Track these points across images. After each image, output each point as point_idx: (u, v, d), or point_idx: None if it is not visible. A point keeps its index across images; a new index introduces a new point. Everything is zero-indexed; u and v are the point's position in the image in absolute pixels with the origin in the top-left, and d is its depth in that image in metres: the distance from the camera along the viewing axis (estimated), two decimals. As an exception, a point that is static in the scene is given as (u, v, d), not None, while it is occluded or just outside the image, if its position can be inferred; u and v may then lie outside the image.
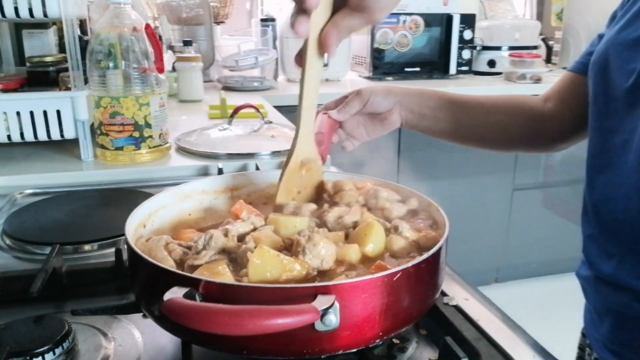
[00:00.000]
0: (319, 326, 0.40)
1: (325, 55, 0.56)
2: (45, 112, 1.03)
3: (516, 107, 0.84)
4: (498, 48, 2.58)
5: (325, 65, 2.33)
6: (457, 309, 0.54)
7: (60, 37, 1.38)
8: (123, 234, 0.51)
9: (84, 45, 1.03)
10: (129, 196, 0.90)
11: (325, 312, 0.39)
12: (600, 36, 0.72)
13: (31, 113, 1.03)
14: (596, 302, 0.70)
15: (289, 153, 0.61)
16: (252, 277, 0.46)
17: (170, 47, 2.07)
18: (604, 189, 0.66)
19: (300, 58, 0.55)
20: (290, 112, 1.74)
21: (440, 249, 0.48)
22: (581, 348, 0.81)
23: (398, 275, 0.43)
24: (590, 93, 0.69)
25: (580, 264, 0.75)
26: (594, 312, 0.71)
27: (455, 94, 0.85)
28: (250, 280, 0.46)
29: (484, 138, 0.86)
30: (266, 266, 0.46)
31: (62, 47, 1.35)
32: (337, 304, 0.40)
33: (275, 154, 1.11)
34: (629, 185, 0.61)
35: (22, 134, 1.04)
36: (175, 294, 0.40)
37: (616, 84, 0.63)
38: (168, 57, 1.92)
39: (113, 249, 0.61)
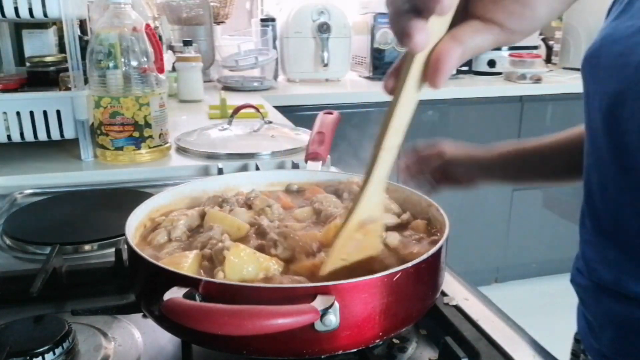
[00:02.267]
0: (318, 326, 0.40)
1: (423, 85, 0.38)
2: (45, 112, 1.03)
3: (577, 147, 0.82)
4: (498, 48, 2.57)
5: (325, 65, 2.33)
6: (457, 309, 0.54)
7: (60, 37, 1.38)
8: (123, 234, 0.51)
9: (84, 45, 1.03)
10: (129, 196, 0.90)
11: (325, 312, 0.39)
12: None
13: (31, 113, 1.03)
14: (596, 312, 0.68)
15: (350, 208, 0.45)
16: (229, 275, 0.46)
17: (170, 47, 2.07)
18: (599, 192, 0.64)
19: (394, 80, 0.39)
20: (290, 112, 1.75)
21: (440, 249, 0.48)
22: (574, 354, 0.79)
23: (398, 275, 0.43)
24: (583, 91, 0.68)
25: (575, 271, 0.73)
26: (592, 321, 0.69)
27: (522, 144, 0.86)
28: (228, 279, 0.46)
29: (552, 180, 0.90)
30: (243, 264, 0.46)
31: (62, 47, 1.34)
32: (337, 304, 0.40)
33: (275, 154, 1.11)
34: (626, 187, 0.60)
35: (22, 134, 1.04)
36: (175, 294, 0.40)
37: (608, 81, 0.62)
38: (168, 57, 1.92)
39: (113, 249, 0.61)
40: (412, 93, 0.39)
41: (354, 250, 0.46)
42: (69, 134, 1.06)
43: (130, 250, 0.48)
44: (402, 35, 0.35)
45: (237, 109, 1.25)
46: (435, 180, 0.81)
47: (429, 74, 0.37)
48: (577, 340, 0.79)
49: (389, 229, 0.57)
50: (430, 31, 0.35)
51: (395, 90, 0.39)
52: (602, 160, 0.64)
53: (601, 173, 0.64)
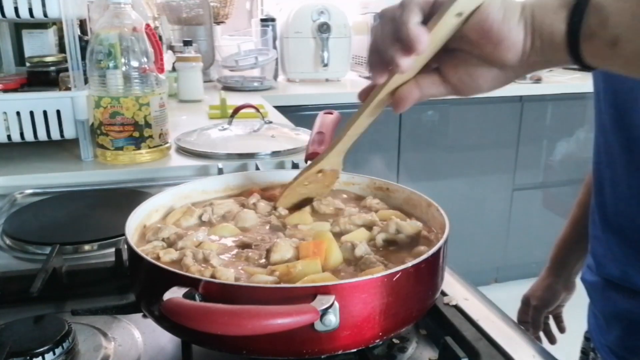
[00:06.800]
0: (318, 326, 0.40)
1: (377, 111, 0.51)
2: (45, 112, 1.03)
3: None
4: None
5: (325, 65, 2.33)
6: (457, 309, 0.54)
7: (60, 37, 1.38)
8: (123, 234, 0.51)
9: (84, 45, 1.03)
10: (129, 196, 0.90)
11: (324, 312, 0.39)
12: None
13: (31, 113, 1.03)
14: (604, 308, 0.69)
15: (317, 159, 0.60)
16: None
17: (170, 47, 2.07)
18: (610, 188, 0.65)
19: (365, 95, 0.53)
20: (290, 112, 1.75)
21: (440, 249, 0.48)
22: (584, 352, 0.80)
23: (398, 275, 0.43)
24: (594, 90, 0.69)
25: (585, 269, 0.74)
26: (601, 317, 0.70)
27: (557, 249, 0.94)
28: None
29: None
30: None
31: (62, 47, 1.34)
32: (336, 304, 0.40)
33: (275, 154, 1.11)
34: (635, 184, 0.60)
35: (22, 134, 1.04)
36: (175, 294, 0.40)
37: (618, 79, 0.62)
38: (168, 57, 1.92)
39: (113, 249, 0.61)
40: (377, 109, 0.52)
41: (309, 188, 0.63)
42: (69, 134, 1.05)
43: (130, 250, 0.48)
44: (390, 61, 0.46)
45: (237, 109, 1.25)
46: None
47: (394, 104, 0.49)
48: (587, 338, 0.79)
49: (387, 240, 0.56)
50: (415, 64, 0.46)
51: (366, 101, 0.52)
52: (612, 156, 0.64)
53: (612, 169, 0.65)
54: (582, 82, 2.36)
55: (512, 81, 0.46)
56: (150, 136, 1.06)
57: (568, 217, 0.92)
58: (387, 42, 0.45)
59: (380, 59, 0.48)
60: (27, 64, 1.21)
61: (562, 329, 0.98)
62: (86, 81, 1.05)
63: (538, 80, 2.37)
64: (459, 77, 0.46)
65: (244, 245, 0.55)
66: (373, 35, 0.48)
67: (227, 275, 0.47)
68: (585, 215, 0.84)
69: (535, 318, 0.96)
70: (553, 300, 0.95)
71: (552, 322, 0.99)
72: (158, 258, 0.51)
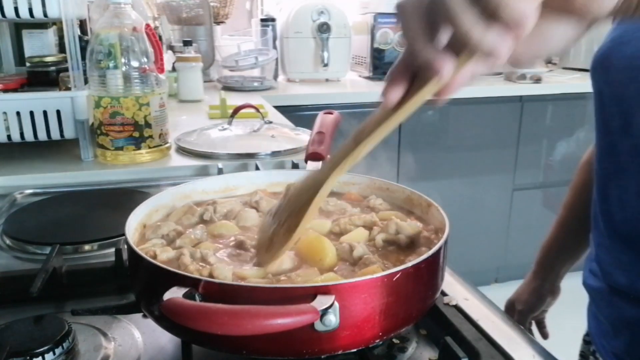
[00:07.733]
0: (318, 326, 0.40)
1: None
2: (45, 112, 1.03)
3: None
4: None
5: (325, 65, 2.33)
6: (457, 309, 0.54)
7: (60, 37, 1.37)
8: (123, 234, 0.51)
9: (84, 45, 1.03)
10: (129, 196, 0.90)
11: (324, 312, 0.39)
12: None
13: (31, 113, 1.03)
14: (610, 315, 0.68)
15: (321, 180, 0.47)
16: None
17: (170, 47, 2.07)
18: (617, 195, 0.63)
19: (401, 91, 0.39)
20: (290, 112, 1.75)
21: (440, 249, 0.48)
22: (583, 355, 0.79)
23: (398, 275, 0.43)
24: (594, 94, 0.67)
25: (587, 273, 0.73)
26: (606, 323, 0.68)
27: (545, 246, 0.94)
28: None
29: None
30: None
31: (62, 47, 1.34)
32: (336, 304, 0.40)
33: (275, 154, 1.11)
34: None
35: (22, 134, 1.04)
36: (175, 293, 0.40)
37: (623, 83, 0.61)
38: (168, 57, 1.92)
39: (113, 249, 0.61)
40: (416, 107, 0.39)
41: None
42: (69, 134, 1.05)
43: (130, 250, 0.48)
44: (429, 65, 0.35)
45: (237, 109, 1.25)
46: None
47: (439, 91, 0.37)
48: (586, 341, 0.78)
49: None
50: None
51: (400, 102, 0.39)
52: (620, 163, 0.62)
53: (619, 176, 0.63)
54: (582, 82, 2.36)
55: (582, 37, 0.39)
56: (150, 136, 1.06)
57: (554, 219, 0.92)
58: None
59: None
60: (27, 64, 1.21)
61: (544, 335, 0.97)
62: (86, 81, 1.05)
63: (538, 80, 2.37)
64: (524, 42, 0.36)
65: (241, 245, 0.55)
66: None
67: (225, 274, 0.47)
68: (572, 217, 0.83)
69: (521, 323, 0.95)
70: (539, 304, 0.94)
71: (534, 328, 0.98)
72: (155, 256, 0.51)
